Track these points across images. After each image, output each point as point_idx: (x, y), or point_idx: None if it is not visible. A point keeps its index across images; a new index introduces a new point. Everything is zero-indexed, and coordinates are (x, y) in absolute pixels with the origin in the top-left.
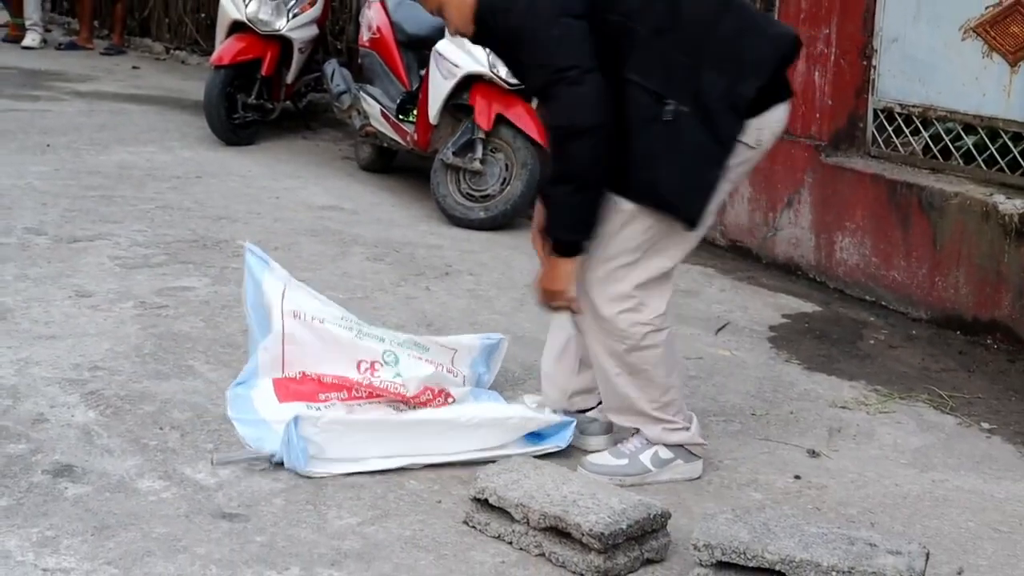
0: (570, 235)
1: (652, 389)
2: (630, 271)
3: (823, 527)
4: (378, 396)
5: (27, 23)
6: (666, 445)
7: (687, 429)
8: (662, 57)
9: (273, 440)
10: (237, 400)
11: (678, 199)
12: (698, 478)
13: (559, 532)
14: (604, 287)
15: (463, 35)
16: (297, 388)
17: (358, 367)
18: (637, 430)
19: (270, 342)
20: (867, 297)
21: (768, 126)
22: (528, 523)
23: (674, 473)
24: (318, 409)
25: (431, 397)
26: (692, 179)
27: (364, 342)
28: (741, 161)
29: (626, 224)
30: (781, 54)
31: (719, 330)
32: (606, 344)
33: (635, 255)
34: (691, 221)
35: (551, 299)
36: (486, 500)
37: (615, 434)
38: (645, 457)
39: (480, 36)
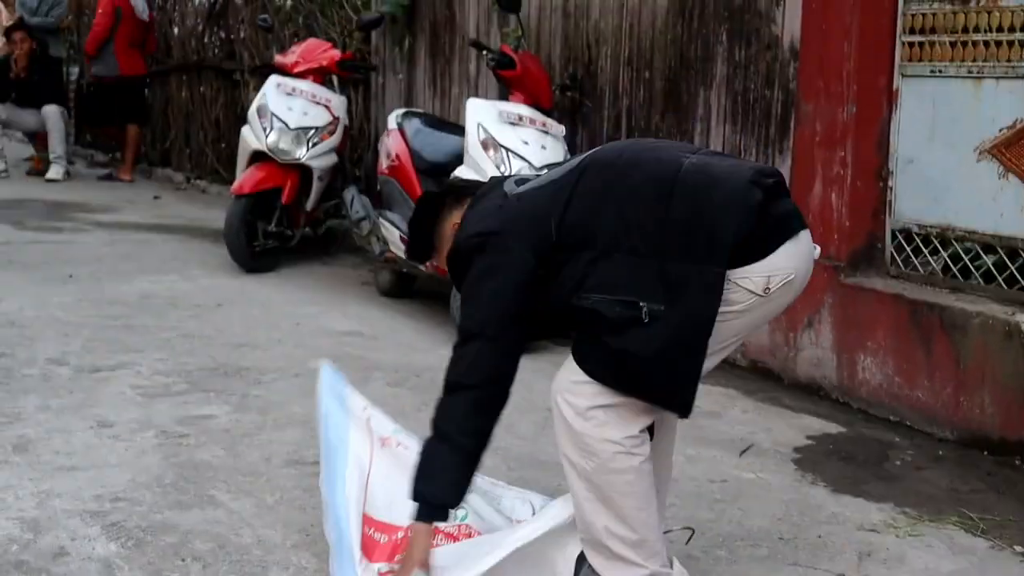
0: (417, 485)
1: (622, 523)
2: (601, 391)
3: None
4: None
5: (52, 156)
6: None
7: None
8: (625, 267)
9: None
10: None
11: (668, 396)
12: None
13: None
14: (571, 397)
15: None
16: (376, 543)
17: None
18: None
19: (353, 472)
20: (891, 417)
21: (777, 270)
22: None
23: None
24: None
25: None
26: (679, 375)
27: None
28: (747, 308)
29: None
30: (740, 213)
31: (743, 452)
32: (575, 461)
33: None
34: (684, 409)
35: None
36: None
37: None
38: None
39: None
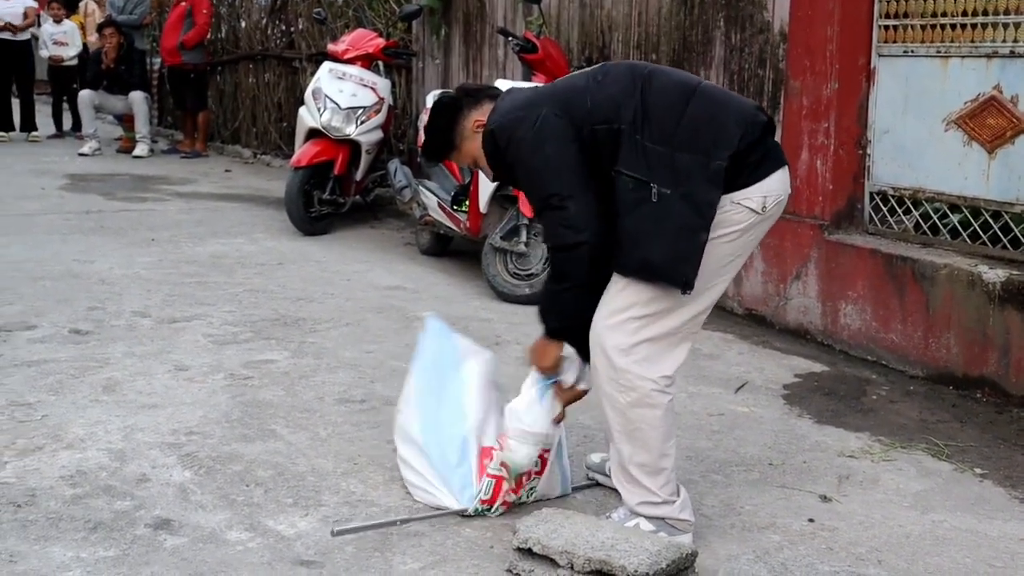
0: (551, 321)
1: (645, 452)
2: (640, 326)
3: (836, 566)
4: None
5: (137, 136)
6: (647, 518)
7: (670, 504)
8: (642, 149)
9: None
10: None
11: (669, 269)
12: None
13: (602, 574)
14: (614, 335)
15: (493, 177)
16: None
17: None
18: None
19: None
20: (869, 357)
21: (771, 192)
22: (573, 568)
23: None
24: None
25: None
26: (679, 249)
27: None
28: (749, 226)
29: (631, 282)
30: (746, 122)
31: (738, 389)
32: (611, 395)
33: (645, 310)
34: (684, 285)
35: (542, 373)
36: (529, 549)
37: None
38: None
39: (498, 174)
